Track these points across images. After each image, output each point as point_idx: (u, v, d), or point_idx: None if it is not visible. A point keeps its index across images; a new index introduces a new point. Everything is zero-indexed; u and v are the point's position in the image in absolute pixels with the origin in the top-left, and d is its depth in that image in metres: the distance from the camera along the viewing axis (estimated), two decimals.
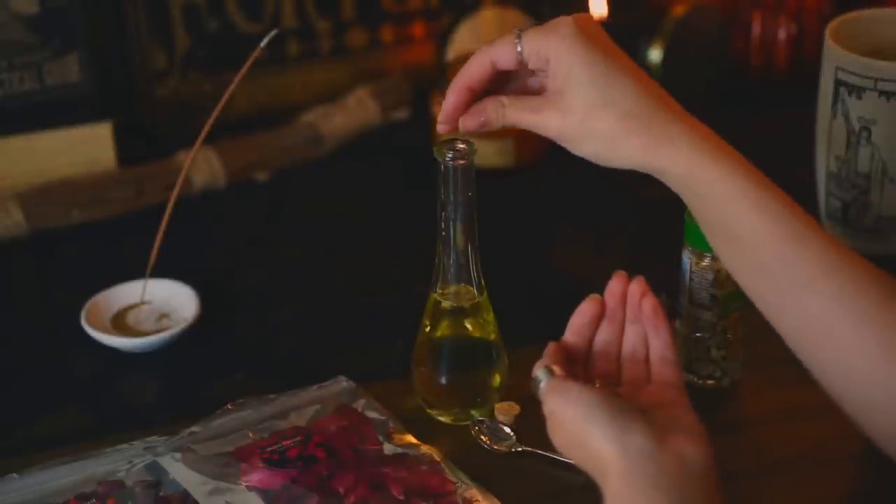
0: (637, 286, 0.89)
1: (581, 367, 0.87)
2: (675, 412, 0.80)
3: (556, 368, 0.82)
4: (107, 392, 1.05)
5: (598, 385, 0.86)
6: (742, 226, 0.80)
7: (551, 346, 0.85)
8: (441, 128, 0.87)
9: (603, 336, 0.89)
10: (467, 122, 0.86)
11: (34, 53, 1.26)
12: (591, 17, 0.85)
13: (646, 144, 0.81)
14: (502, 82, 0.87)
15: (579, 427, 0.77)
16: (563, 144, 0.84)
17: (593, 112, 0.82)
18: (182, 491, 0.90)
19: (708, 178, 0.80)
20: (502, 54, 0.85)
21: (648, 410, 0.79)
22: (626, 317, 0.89)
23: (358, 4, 1.40)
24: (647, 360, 0.88)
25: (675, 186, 0.82)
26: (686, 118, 0.82)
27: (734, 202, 0.80)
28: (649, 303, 0.88)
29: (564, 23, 0.83)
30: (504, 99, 0.86)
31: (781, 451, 0.95)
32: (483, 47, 0.86)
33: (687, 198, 0.82)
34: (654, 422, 0.76)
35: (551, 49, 0.83)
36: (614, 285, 0.89)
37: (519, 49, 0.84)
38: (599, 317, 0.89)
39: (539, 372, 0.82)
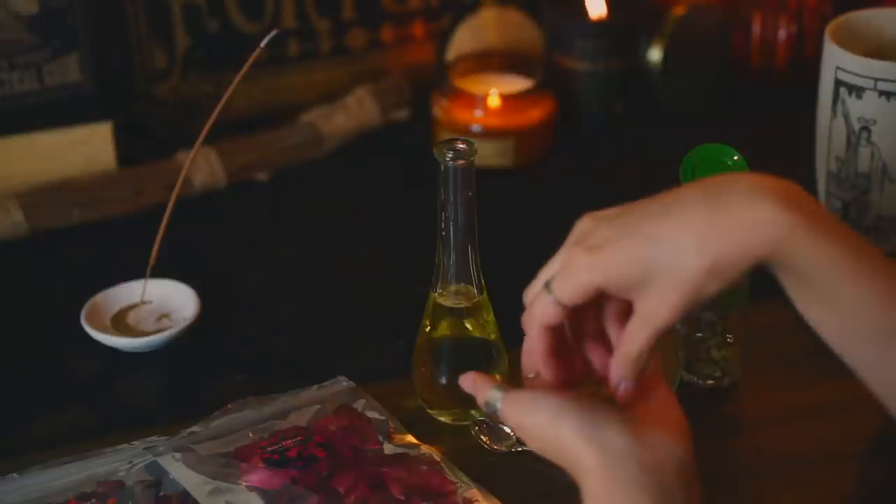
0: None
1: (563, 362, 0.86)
2: (656, 405, 0.78)
3: (502, 384, 0.80)
4: (107, 392, 1.05)
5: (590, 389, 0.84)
6: (837, 296, 0.73)
7: (473, 376, 0.82)
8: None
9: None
10: (624, 381, 0.79)
11: (34, 53, 1.26)
12: (588, 218, 0.79)
13: (737, 244, 0.73)
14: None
15: (550, 432, 0.76)
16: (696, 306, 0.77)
17: (678, 275, 0.73)
18: (182, 491, 0.90)
19: (798, 255, 0.72)
20: (551, 317, 0.79)
21: (628, 404, 0.78)
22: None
23: (358, 4, 1.40)
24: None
25: (774, 270, 0.75)
26: (743, 193, 0.73)
27: (830, 272, 0.73)
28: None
29: (577, 251, 0.77)
30: (619, 350, 0.78)
31: (781, 451, 0.95)
32: (528, 318, 0.81)
33: (775, 271, 0.75)
34: (633, 416, 0.76)
35: (588, 281, 0.76)
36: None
37: (562, 304, 0.78)
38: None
39: (491, 394, 0.80)
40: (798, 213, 0.72)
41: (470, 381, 0.82)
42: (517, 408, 0.78)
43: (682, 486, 0.73)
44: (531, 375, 0.84)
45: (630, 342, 0.77)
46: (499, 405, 0.80)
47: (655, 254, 0.74)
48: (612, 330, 0.81)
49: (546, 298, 0.79)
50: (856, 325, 0.74)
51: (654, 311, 0.75)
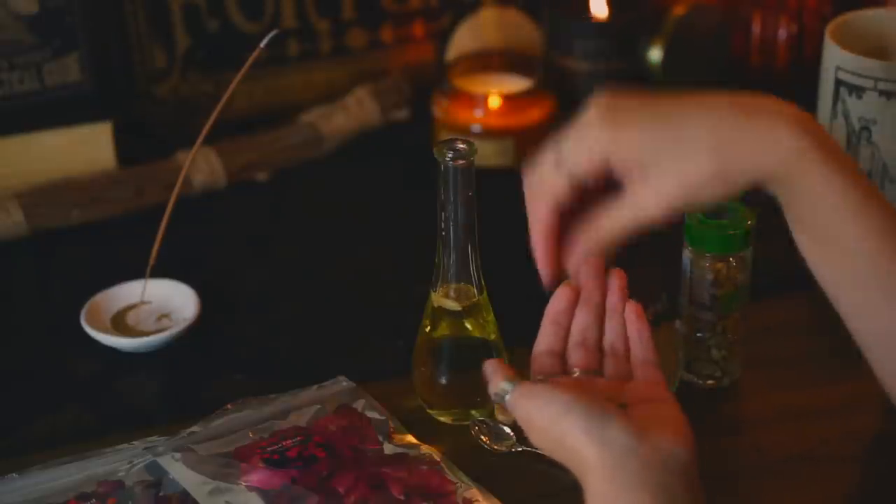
0: (617, 280, 0.87)
1: (558, 358, 0.87)
2: (658, 407, 0.79)
3: (515, 377, 0.81)
4: (107, 392, 1.05)
5: (577, 374, 0.85)
6: (837, 227, 0.75)
7: (494, 364, 0.83)
8: (548, 282, 0.84)
9: (580, 323, 0.87)
10: (573, 264, 0.83)
11: (34, 53, 1.26)
12: (608, 94, 0.79)
13: (751, 153, 0.75)
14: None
15: (556, 428, 0.76)
16: (683, 212, 0.79)
17: (685, 167, 0.75)
18: (182, 491, 0.90)
19: (807, 181, 0.74)
20: (557, 190, 0.81)
21: (631, 406, 0.78)
22: (604, 304, 0.87)
23: (358, 4, 1.40)
24: (627, 355, 0.86)
25: (776, 191, 0.77)
26: (769, 111, 0.75)
27: (835, 207, 0.75)
28: (632, 308, 0.86)
29: (591, 119, 0.78)
30: (594, 222, 0.80)
31: (781, 451, 0.95)
32: (532, 190, 0.82)
33: (780, 195, 0.77)
34: (636, 417, 0.76)
35: (599, 151, 0.77)
36: (588, 269, 0.87)
37: (570, 174, 0.79)
38: (575, 303, 0.87)
39: (501, 385, 0.80)
40: (814, 141, 0.74)
41: (490, 367, 0.83)
42: (526, 401, 0.79)
43: (684, 486, 0.73)
44: (539, 378, 0.84)
45: (608, 220, 0.79)
46: (508, 396, 0.80)
47: (672, 142, 0.75)
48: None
49: (555, 169, 0.80)
50: (852, 267, 0.76)
51: (645, 201, 0.77)
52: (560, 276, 0.84)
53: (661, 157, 0.76)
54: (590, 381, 0.84)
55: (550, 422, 0.76)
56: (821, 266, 0.78)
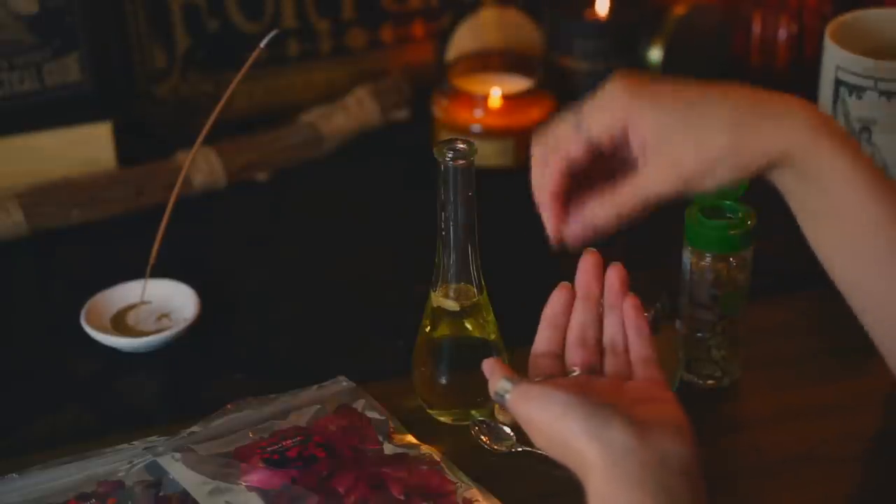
0: (615, 274, 0.87)
1: (557, 359, 0.87)
2: (660, 406, 0.79)
3: (514, 376, 0.81)
4: (107, 392, 1.05)
5: (576, 373, 0.85)
6: (852, 208, 0.77)
7: (492, 362, 0.83)
8: (556, 242, 0.84)
9: (579, 319, 0.87)
10: (576, 238, 0.83)
11: (34, 53, 1.26)
12: (632, 73, 0.81)
13: (768, 132, 0.77)
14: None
15: (556, 427, 0.76)
16: (687, 193, 0.80)
17: (704, 140, 0.78)
18: (182, 491, 0.90)
19: (819, 159, 0.76)
20: (573, 149, 0.81)
21: (632, 405, 0.78)
22: (602, 300, 0.87)
23: (358, 4, 1.40)
24: (626, 352, 0.86)
25: (784, 168, 0.78)
26: (783, 98, 0.79)
27: (847, 184, 0.76)
28: (630, 302, 0.86)
29: (616, 87, 0.80)
30: (603, 195, 0.81)
31: (781, 451, 0.95)
32: (546, 148, 0.82)
33: (790, 180, 0.78)
34: (637, 417, 0.76)
35: (621, 118, 0.79)
36: (586, 263, 0.88)
37: (588, 135, 0.80)
38: (572, 304, 0.88)
39: (500, 384, 0.80)
40: (827, 126, 0.77)
41: (489, 366, 0.83)
42: (526, 401, 0.79)
43: (685, 487, 0.73)
44: (538, 378, 0.84)
45: (620, 192, 0.80)
46: (508, 395, 0.80)
47: (693, 117, 0.78)
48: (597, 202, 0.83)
49: (573, 129, 0.81)
50: (857, 243, 0.77)
51: (659, 173, 0.79)
52: (561, 243, 0.84)
53: (680, 129, 0.78)
54: (589, 380, 0.84)
55: (551, 422, 0.76)
56: (821, 242, 0.79)
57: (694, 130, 0.78)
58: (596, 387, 0.82)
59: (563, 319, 0.87)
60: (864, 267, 0.78)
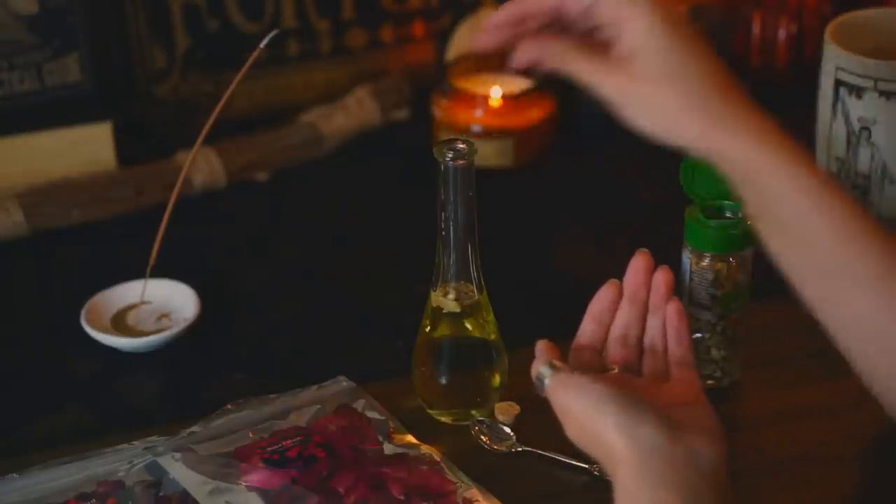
0: (663, 277, 0.88)
1: (597, 354, 0.87)
2: (694, 410, 0.80)
3: (557, 363, 0.82)
4: (107, 392, 1.05)
5: (616, 370, 0.86)
6: (798, 220, 0.76)
7: (543, 344, 0.84)
8: (481, 40, 0.81)
9: (623, 318, 0.88)
10: (523, 55, 0.80)
11: (34, 53, 1.26)
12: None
13: (705, 126, 0.77)
14: (554, 29, 0.80)
15: (590, 419, 0.76)
16: (619, 112, 0.78)
17: (660, 83, 0.77)
18: (182, 491, 0.90)
19: (766, 168, 0.76)
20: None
21: (667, 407, 0.79)
22: (648, 302, 0.88)
23: (358, 4, 1.40)
24: (665, 353, 0.87)
25: (730, 173, 0.77)
26: (750, 106, 0.78)
27: (792, 195, 0.76)
28: (674, 307, 0.87)
29: None
30: (569, 42, 0.79)
31: (781, 451, 0.95)
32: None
33: (741, 186, 0.78)
34: (671, 418, 0.76)
35: (629, 8, 0.77)
36: (637, 264, 0.88)
37: None
38: (618, 302, 0.88)
39: (541, 369, 0.81)
40: (785, 142, 0.76)
41: (541, 347, 0.83)
42: (564, 389, 0.79)
43: (712, 488, 0.74)
44: (578, 371, 0.83)
45: (579, 64, 0.79)
46: (547, 381, 0.80)
47: (680, 46, 0.77)
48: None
49: None
50: (812, 258, 0.76)
51: (622, 73, 0.77)
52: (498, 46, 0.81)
53: (654, 61, 0.77)
54: (630, 379, 0.85)
55: (585, 413, 0.77)
56: (783, 258, 0.78)
57: (673, 68, 0.77)
58: (635, 385, 0.83)
59: (607, 316, 0.88)
60: (819, 282, 0.78)
